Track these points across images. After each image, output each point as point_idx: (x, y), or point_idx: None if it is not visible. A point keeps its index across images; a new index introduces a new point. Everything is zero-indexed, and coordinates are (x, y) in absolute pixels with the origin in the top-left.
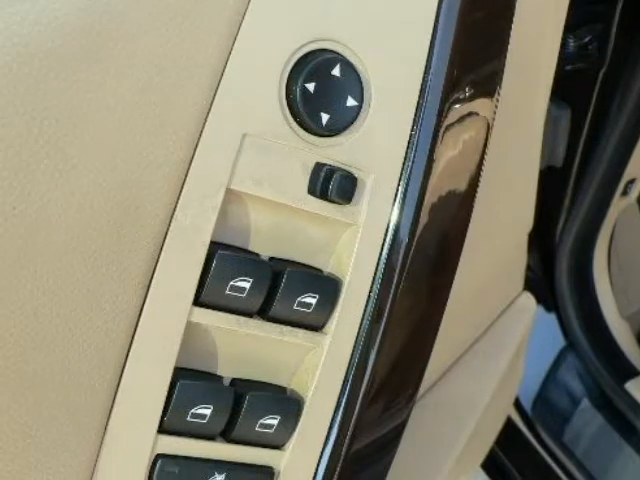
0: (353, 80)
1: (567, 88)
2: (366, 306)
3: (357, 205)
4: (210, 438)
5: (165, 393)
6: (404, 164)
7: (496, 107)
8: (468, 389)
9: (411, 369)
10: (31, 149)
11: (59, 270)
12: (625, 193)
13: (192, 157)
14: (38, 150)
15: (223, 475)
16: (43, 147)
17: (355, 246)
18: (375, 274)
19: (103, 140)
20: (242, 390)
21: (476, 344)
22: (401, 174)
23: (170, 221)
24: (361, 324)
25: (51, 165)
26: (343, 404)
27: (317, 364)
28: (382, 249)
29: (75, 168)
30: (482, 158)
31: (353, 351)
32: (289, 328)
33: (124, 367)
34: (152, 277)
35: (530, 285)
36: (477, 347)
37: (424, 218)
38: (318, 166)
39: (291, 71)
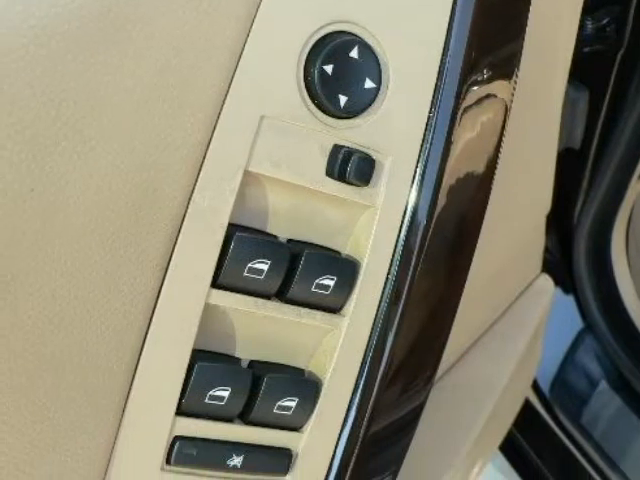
0: (371, 62)
1: (585, 70)
2: (384, 288)
3: (375, 187)
4: (228, 420)
5: (183, 375)
6: (422, 146)
7: (514, 89)
8: (486, 371)
9: (429, 351)
10: (49, 131)
11: (77, 252)
12: None
13: (210, 139)
14: (56, 132)
15: (241, 457)
16: (61, 129)
17: (373, 228)
18: (393, 256)
19: (121, 122)
20: (260, 372)
21: (494, 326)
22: (419, 156)
23: (188, 203)
24: (379, 306)
25: (69, 147)
26: (361, 386)
27: (335, 346)
28: (400, 231)
29: (93, 150)
30: (500, 140)
31: (371, 333)
32: (307, 310)
33: (142, 349)
34: (170, 259)
35: (548, 267)
36: (495, 329)
37: (442, 200)
38: (336, 148)
39: (309, 53)
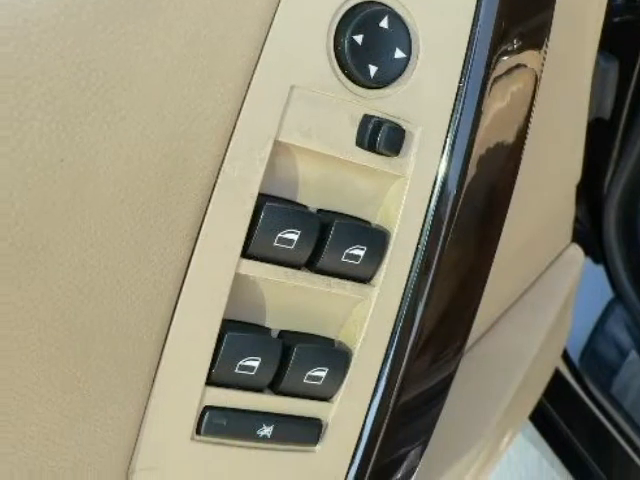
0: (401, 32)
1: (615, 40)
2: (414, 258)
3: (405, 157)
4: (258, 390)
5: (213, 345)
6: (452, 116)
7: (544, 59)
8: (516, 341)
9: (459, 321)
10: (79, 101)
11: (107, 222)
12: None
13: (240, 109)
14: (86, 102)
15: (271, 427)
16: (91, 99)
17: (403, 198)
18: (423, 226)
19: (151, 92)
20: (290, 342)
21: (524, 296)
22: (449, 126)
23: (218, 173)
24: (409, 276)
25: (99, 117)
26: (391, 356)
27: (365, 316)
28: (430, 201)
29: (123, 120)
30: (530, 110)
31: (401, 303)
32: (337, 280)
33: (172, 319)
34: (200, 229)
35: (578, 237)
36: (525, 299)
37: (472, 170)
38: (366, 118)
39: (339, 23)
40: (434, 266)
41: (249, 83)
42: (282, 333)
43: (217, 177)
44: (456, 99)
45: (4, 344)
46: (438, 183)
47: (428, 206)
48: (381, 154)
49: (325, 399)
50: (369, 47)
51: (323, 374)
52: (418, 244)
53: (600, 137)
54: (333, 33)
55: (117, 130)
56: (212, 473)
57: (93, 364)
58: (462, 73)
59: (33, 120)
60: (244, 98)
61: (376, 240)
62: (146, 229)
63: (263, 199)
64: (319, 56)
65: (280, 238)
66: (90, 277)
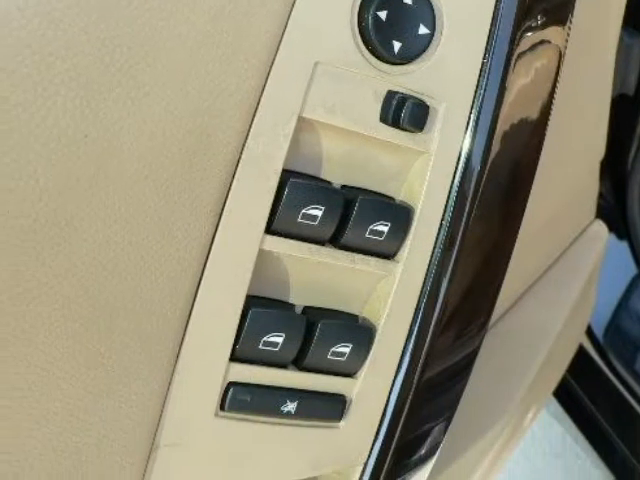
0: (425, 8)
1: (639, 16)
2: (438, 234)
3: (429, 133)
4: (282, 366)
5: (237, 321)
6: (476, 92)
7: (568, 35)
8: (540, 317)
9: (483, 297)
10: (103, 77)
11: (131, 198)
12: None
13: (264, 85)
14: (110, 78)
15: (295, 403)
16: (115, 75)
17: (427, 174)
18: (447, 202)
19: (175, 68)
20: (314, 318)
21: (548, 272)
22: (473, 102)
23: (242, 149)
24: (433, 252)
25: (123, 93)
26: (415, 332)
27: (389, 292)
28: (454, 177)
29: (147, 96)
30: (554, 86)
31: (425, 279)
32: (361, 256)
33: (196, 295)
34: (224, 205)
35: (602, 213)
36: (549, 275)
37: (496, 146)
38: (390, 94)
39: None
40: (458, 242)
41: (273, 59)
42: (306, 309)
43: (241, 153)
44: (480, 75)
45: (28, 320)
46: (462, 159)
47: (452, 182)
48: (405, 130)
49: (349, 375)
50: (393, 23)
51: (347, 350)
52: (442, 220)
53: (624, 113)
54: (357, 9)
55: (141, 106)
56: (236, 449)
57: (117, 340)
58: (486, 49)
59: (57, 96)
60: (268, 74)
61: (400, 216)
62: (170, 205)
63: (287, 175)
64: (343, 32)
65: (304, 214)
66: (114, 253)
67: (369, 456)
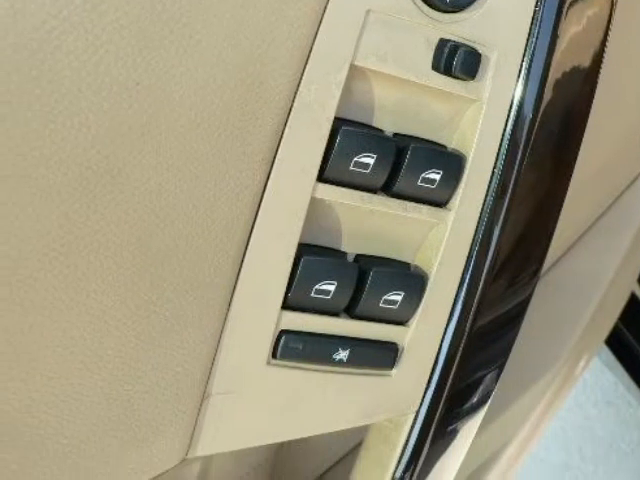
0: None
1: None
2: (490, 182)
3: (481, 81)
4: (334, 314)
5: (289, 269)
6: (528, 40)
7: None
8: (592, 265)
9: (535, 245)
10: (155, 25)
11: (183, 146)
12: None
13: (316, 33)
14: (162, 26)
15: (347, 351)
16: (167, 23)
17: (479, 122)
18: (499, 150)
19: (227, 16)
20: (366, 266)
21: (600, 220)
22: (525, 50)
23: (294, 97)
24: (485, 200)
25: (175, 41)
26: (467, 280)
27: (441, 240)
28: (506, 125)
29: (199, 44)
30: (606, 34)
31: (477, 227)
32: (413, 204)
33: (248, 243)
34: (276, 153)
35: None
36: (601, 223)
37: (548, 94)
38: (442, 42)
39: None
40: (510, 190)
41: (325, 6)
42: (358, 257)
43: (293, 101)
44: (532, 23)
45: (80, 268)
46: (514, 107)
47: (504, 130)
48: (457, 78)
49: (401, 323)
50: None
51: (399, 298)
52: (494, 168)
53: None
54: None
55: (193, 54)
56: (288, 397)
57: (169, 289)
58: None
59: (109, 44)
60: (320, 22)
61: (452, 164)
62: (222, 153)
63: (339, 123)
64: None
65: (356, 162)
66: (166, 201)
67: (421, 404)
